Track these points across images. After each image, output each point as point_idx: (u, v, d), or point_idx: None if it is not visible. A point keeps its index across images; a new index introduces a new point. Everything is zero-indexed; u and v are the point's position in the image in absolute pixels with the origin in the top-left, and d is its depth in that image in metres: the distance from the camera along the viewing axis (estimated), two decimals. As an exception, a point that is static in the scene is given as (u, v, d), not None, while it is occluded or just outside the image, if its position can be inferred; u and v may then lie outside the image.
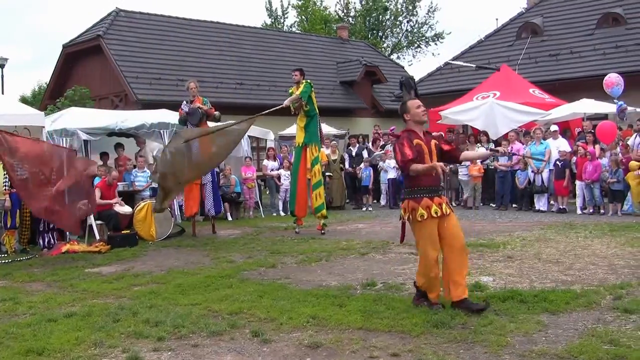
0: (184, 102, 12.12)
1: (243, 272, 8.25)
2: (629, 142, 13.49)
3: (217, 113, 12.03)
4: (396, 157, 5.96)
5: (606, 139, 14.41)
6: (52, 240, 11.16)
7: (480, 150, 6.45)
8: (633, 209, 12.84)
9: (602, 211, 13.41)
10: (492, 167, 15.56)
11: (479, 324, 5.31)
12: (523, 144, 15.22)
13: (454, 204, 16.47)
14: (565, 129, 16.77)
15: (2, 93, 27.12)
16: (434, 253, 5.79)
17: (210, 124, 12.29)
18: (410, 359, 4.69)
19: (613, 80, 16.80)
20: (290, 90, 11.85)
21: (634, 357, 4.46)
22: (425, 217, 5.72)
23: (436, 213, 5.74)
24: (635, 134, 13.87)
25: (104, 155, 14.24)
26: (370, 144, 18.62)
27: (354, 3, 48.41)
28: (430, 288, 5.90)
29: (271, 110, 11.25)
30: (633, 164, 12.64)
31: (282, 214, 15.67)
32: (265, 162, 17.00)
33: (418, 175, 5.77)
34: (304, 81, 11.59)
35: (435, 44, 49.55)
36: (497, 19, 48.45)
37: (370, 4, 47.13)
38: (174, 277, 8.03)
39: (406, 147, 5.80)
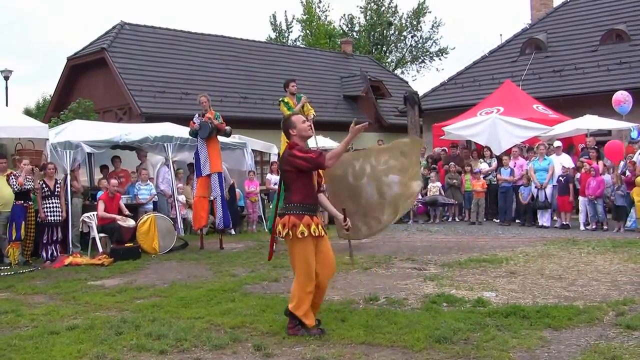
0: (196, 115, 12.12)
1: (246, 285, 8.26)
2: (634, 159, 13.48)
3: (228, 128, 12.09)
4: (301, 165, 5.62)
5: (614, 157, 14.41)
6: (54, 252, 11.20)
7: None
8: (637, 224, 12.80)
9: (605, 227, 13.37)
10: (495, 182, 15.57)
11: (481, 340, 5.30)
12: (526, 159, 15.23)
13: (457, 219, 16.47)
14: (570, 145, 16.79)
15: (7, 105, 27.30)
16: (312, 269, 5.67)
17: (221, 138, 12.38)
18: (412, 374, 4.69)
19: (620, 98, 16.90)
20: (285, 99, 11.73)
21: (637, 374, 4.45)
22: (306, 234, 5.61)
23: (314, 232, 5.65)
24: (640, 150, 13.88)
25: (104, 168, 14.29)
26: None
27: (359, 18, 48.67)
28: (304, 306, 5.65)
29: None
30: (639, 179, 12.60)
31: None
32: (268, 176, 17.02)
33: (300, 192, 5.67)
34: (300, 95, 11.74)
35: (440, 59, 49.58)
36: (501, 35, 48.36)
37: (375, 18, 47.34)
38: (176, 291, 8.03)
39: (303, 153, 5.63)
